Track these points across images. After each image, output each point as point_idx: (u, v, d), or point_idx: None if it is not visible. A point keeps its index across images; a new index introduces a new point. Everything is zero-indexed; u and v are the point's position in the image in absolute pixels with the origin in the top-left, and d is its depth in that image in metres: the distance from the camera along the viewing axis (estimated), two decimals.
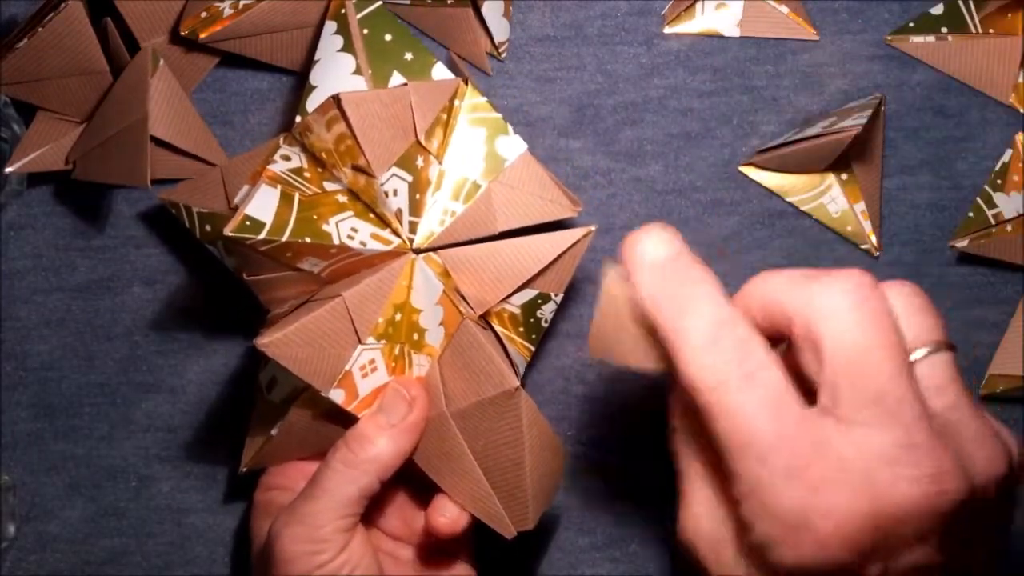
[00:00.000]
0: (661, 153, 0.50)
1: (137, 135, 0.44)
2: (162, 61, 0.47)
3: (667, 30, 0.50)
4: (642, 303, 0.33)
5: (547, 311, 0.45)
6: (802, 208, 0.50)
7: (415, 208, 0.42)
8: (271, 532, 0.41)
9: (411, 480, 0.44)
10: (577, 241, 0.43)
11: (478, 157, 0.43)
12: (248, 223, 0.39)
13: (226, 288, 0.48)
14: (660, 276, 0.32)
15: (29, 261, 0.50)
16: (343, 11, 0.44)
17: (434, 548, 0.44)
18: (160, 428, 0.50)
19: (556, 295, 0.45)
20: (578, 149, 0.50)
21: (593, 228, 0.44)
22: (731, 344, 0.31)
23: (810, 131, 0.48)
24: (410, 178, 0.42)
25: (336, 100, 0.40)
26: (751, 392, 0.30)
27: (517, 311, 0.44)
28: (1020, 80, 0.50)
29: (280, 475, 0.45)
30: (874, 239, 0.50)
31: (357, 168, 0.41)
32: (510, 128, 0.44)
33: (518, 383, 0.41)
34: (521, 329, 0.45)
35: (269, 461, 0.45)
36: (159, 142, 0.47)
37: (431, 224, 0.43)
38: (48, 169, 0.48)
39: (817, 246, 0.50)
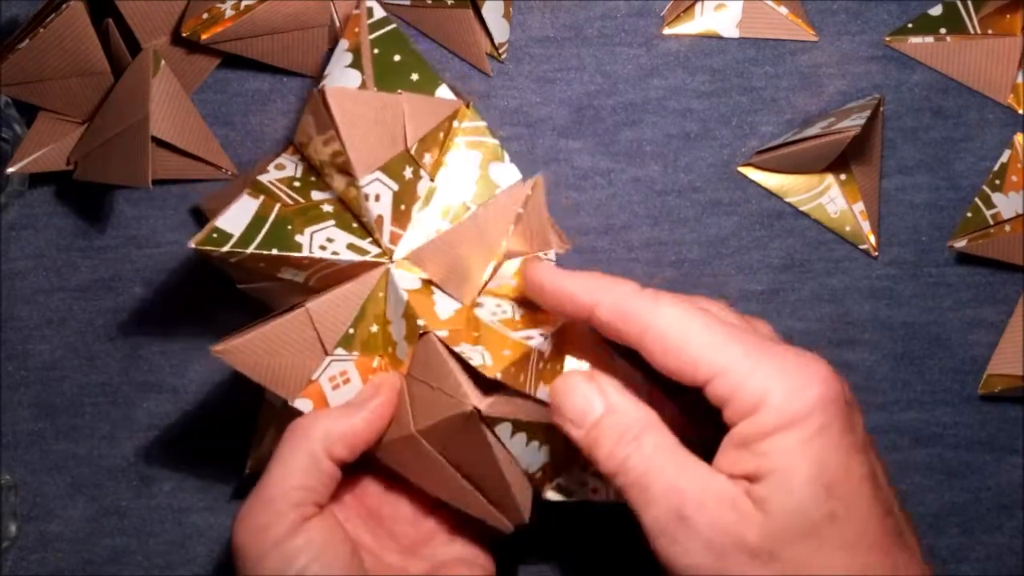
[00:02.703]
0: (660, 153, 0.50)
1: (138, 136, 0.44)
2: (163, 62, 0.47)
3: (666, 31, 0.50)
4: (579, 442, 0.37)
5: None
6: (801, 208, 0.50)
7: (398, 218, 0.42)
8: None
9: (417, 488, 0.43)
10: (531, 193, 0.40)
11: (471, 180, 0.43)
12: (215, 235, 0.39)
13: (227, 288, 0.48)
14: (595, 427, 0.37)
15: (31, 261, 0.50)
16: (357, 30, 0.43)
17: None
18: (161, 428, 0.50)
19: (545, 254, 0.43)
20: (578, 149, 0.50)
21: (540, 177, 0.41)
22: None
23: (809, 132, 0.48)
24: (396, 187, 0.41)
25: (320, 93, 0.39)
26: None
27: (513, 283, 0.43)
28: (1018, 81, 0.51)
29: None
30: (873, 239, 0.50)
31: (346, 173, 0.40)
32: (506, 156, 0.43)
33: (472, 405, 0.38)
34: None
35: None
36: (160, 143, 0.47)
37: (416, 239, 0.42)
38: (50, 169, 0.48)
39: (816, 246, 0.50)
